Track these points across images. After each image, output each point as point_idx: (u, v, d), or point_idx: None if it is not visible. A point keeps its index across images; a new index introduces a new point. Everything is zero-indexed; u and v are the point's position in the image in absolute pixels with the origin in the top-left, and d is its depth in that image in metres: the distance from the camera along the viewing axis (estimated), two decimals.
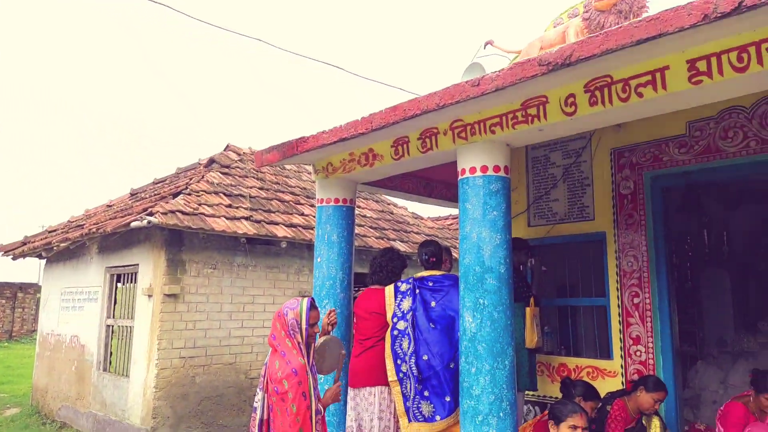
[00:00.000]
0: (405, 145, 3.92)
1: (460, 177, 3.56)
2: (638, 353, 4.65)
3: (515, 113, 3.29)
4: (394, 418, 3.64)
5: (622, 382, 4.67)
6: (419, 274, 4.05)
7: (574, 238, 5.19)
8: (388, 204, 11.00)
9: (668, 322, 4.61)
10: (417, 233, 10.08)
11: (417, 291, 3.85)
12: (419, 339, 3.73)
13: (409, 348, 3.73)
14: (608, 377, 4.77)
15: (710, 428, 4.85)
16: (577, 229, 5.15)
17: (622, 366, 4.73)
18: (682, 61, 2.62)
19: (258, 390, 2.99)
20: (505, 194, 3.46)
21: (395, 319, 3.83)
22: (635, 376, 4.58)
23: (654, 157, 4.74)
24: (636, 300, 4.71)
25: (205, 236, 7.08)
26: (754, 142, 4.20)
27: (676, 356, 4.70)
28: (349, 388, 3.83)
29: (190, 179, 8.41)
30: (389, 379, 3.78)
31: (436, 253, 4.04)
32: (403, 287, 3.94)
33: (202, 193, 7.63)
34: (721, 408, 4.08)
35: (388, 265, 3.98)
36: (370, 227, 9.29)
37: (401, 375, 3.70)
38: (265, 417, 2.89)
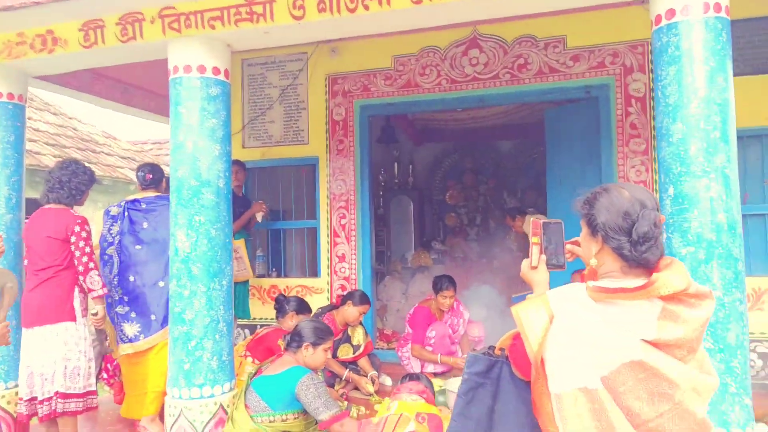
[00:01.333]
0: (99, 31, 3.16)
1: (172, 75, 3.07)
2: (343, 270, 4.99)
3: (239, 9, 2.94)
4: (85, 356, 3.07)
5: (328, 298, 4.97)
6: (131, 196, 3.73)
7: (289, 162, 5.17)
8: (70, 118, 9.20)
9: (369, 240, 5.04)
10: (109, 154, 8.75)
11: (126, 213, 3.59)
12: (125, 261, 3.51)
13: (113, 272, 3.51)
14: (316, 294, 5.00)
15: (396, 333, 5.60)
16: (292, 153, 5.13)
17: (328, 283, 5.01)
18: None
19: None
20: (226, 101, 3.14)
21: (105, 244, 3.60)
22: (339, 291, 4.92)
23: (364, 86, 4.98)
24: (343, 221, 4.99)
25: None
26: (445, 81, 4.76)
27: (373, 272, 5.20)
28: (22, 329, 3.06)
29: None
30: None
31: (155, 170, 3.73)
32: (114, 210, 3.66)
33: None
34: (410, 312, 4.70)
35: (70, 181, 3.22)
36: (47, 143, 7.64)
37: (110, 300, 3.48)
38: None
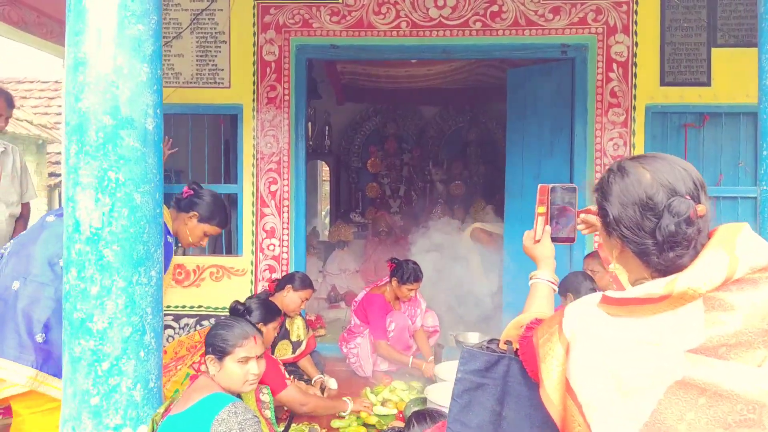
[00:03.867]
0: None
1: None
2: (271, 247, 4.07)
3: None
4: None
5: (252, 281, 4.04)
6: None
7: (202, 109, 4.06)
8: None
9: (303, 212, 4.17)
10: None
11: None
12: None
13: None
14: (236, 276, 4.04)
15: (319, 317, 4.82)
16: (207, 98, 4.03)
17: (252, 263, 4.06)
18: None
19: None
20: (157, 1, 2.08)
21: None
22: (267, 273, 4.03)
23: (304, 21, 4.02)
24: (273, 187, 4.05)
25: None
26: (405, 23, 3.98)
27: (306, 250, 4.35)
28: None
29: None
30: None
31: None
32: None
33: None
34: (356, 300, 3.95)
35: None
36: None
37: None
38: None
